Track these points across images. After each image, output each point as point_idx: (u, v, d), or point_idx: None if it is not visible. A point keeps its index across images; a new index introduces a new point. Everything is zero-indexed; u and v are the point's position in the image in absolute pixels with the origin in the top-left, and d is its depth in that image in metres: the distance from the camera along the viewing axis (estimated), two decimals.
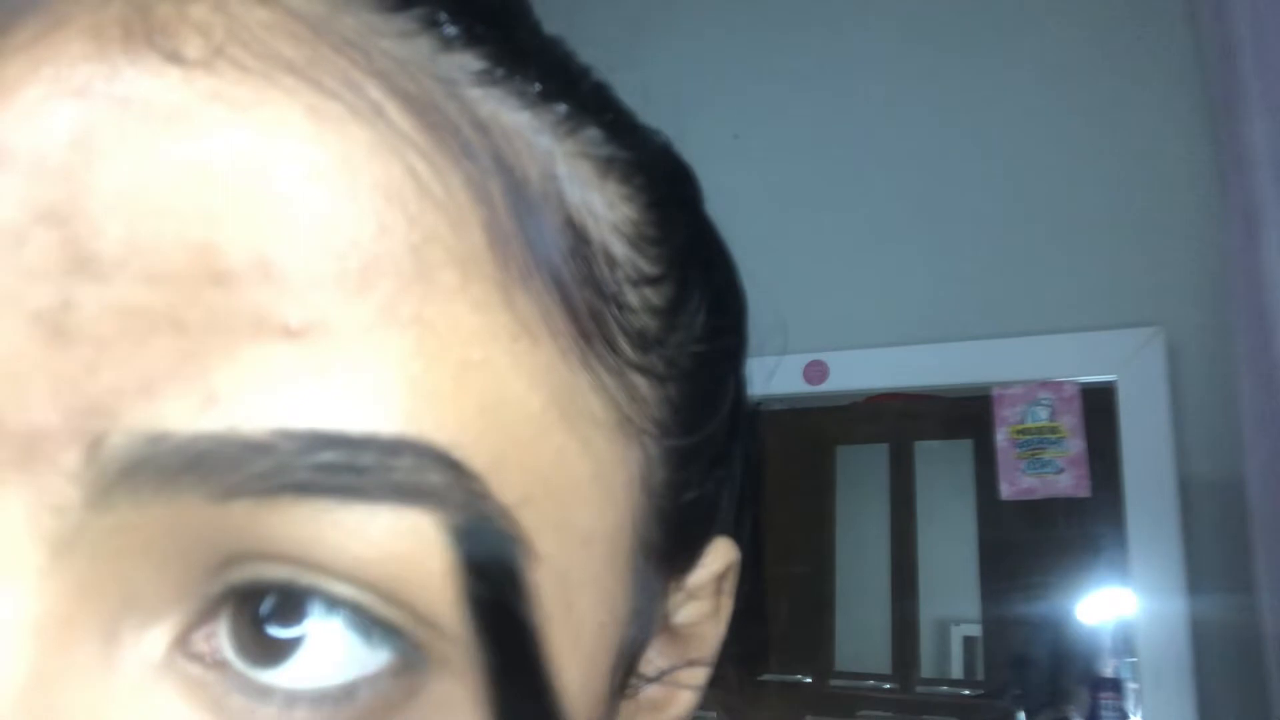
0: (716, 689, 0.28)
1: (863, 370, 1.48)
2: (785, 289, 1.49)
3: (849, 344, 1.48)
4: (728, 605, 0.28)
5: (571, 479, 0.20)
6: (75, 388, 0.16)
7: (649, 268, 0.22)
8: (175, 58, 0.17)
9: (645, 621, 0.24)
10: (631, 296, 0.22)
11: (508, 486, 0.18)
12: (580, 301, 0.20)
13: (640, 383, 0.22)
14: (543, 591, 0.19)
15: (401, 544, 0.17)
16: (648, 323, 0.22)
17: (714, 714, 0.31)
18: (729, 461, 0.27)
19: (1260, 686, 1.05)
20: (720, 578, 0.27)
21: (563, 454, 0.20)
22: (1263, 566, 0.98)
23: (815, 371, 1.49)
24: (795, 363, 1.49)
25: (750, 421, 0.28)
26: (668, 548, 0.24)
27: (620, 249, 0.22)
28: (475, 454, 0.18)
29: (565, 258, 0.20)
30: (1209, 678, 1.23)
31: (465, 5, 0.20)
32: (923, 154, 1.51)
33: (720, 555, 0.27)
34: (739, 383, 0.28)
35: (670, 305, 0.23)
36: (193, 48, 0.18)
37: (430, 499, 0.17)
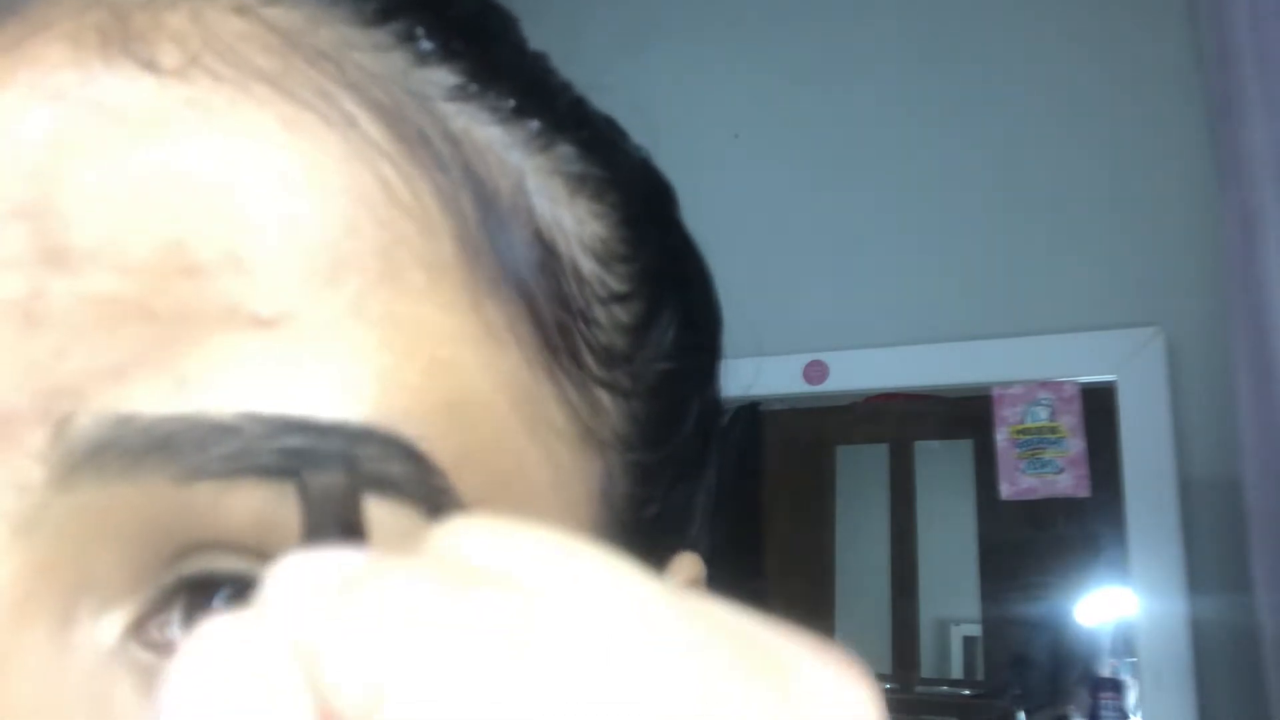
0: None
1: (863, 370, 1.48)
2: (786, 289, 1.50)
3: (849, 344, 1.48)
4: None
5: (531, 484, 0.20)
6: (44, 371, 0.16)
7: (617, 285, 0.23)
8: (151, 65, 0.18)
9: None
10: (599, 313, 0.22)
11: (470, 484, 0.18)
12: (547, 314, 0.21)
13: (604, 397, 0.22)
14: None
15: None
16: (614, 339, 0.22)
17: None
18: (697, 477, 0.27)
19: (1260, 686, 1.06)
20: None
21: (524, 458, 0.20)
22: (1262, 567, 0.98)
23: (815, 371, 1.49)
24: (795, 363, 1.49)
25: (722, 438, 0.28)
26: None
27: (589, 266, 0.22)
28: (440, 448, 0.18)
29: (533, 271, 0.21)
30: (1209, 678, 1.23)
31: (443, 21, 0.21)
32: (923, 154, 1.51)
33: (684, 571, 0.26)
34: (712, 399, 0.27)
35: (638, 323, 0.23)
36: (168, 56, 0.18)
37: (393, 489, 0.17)
